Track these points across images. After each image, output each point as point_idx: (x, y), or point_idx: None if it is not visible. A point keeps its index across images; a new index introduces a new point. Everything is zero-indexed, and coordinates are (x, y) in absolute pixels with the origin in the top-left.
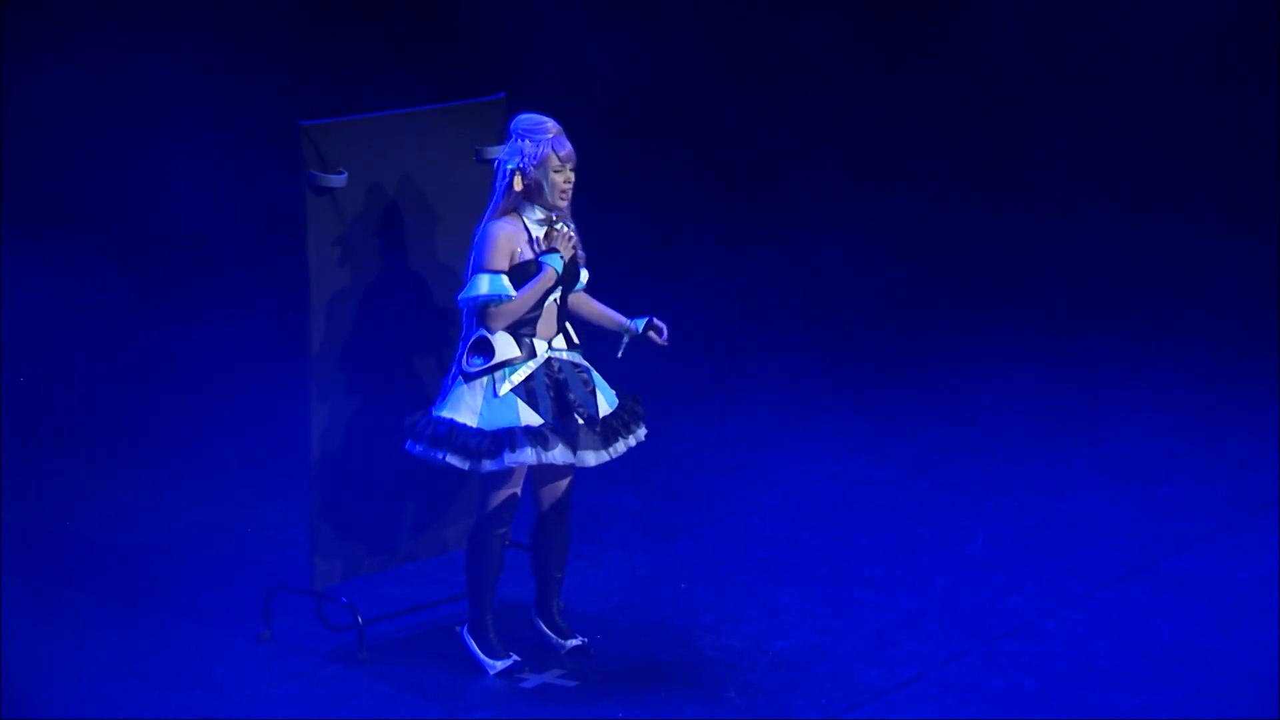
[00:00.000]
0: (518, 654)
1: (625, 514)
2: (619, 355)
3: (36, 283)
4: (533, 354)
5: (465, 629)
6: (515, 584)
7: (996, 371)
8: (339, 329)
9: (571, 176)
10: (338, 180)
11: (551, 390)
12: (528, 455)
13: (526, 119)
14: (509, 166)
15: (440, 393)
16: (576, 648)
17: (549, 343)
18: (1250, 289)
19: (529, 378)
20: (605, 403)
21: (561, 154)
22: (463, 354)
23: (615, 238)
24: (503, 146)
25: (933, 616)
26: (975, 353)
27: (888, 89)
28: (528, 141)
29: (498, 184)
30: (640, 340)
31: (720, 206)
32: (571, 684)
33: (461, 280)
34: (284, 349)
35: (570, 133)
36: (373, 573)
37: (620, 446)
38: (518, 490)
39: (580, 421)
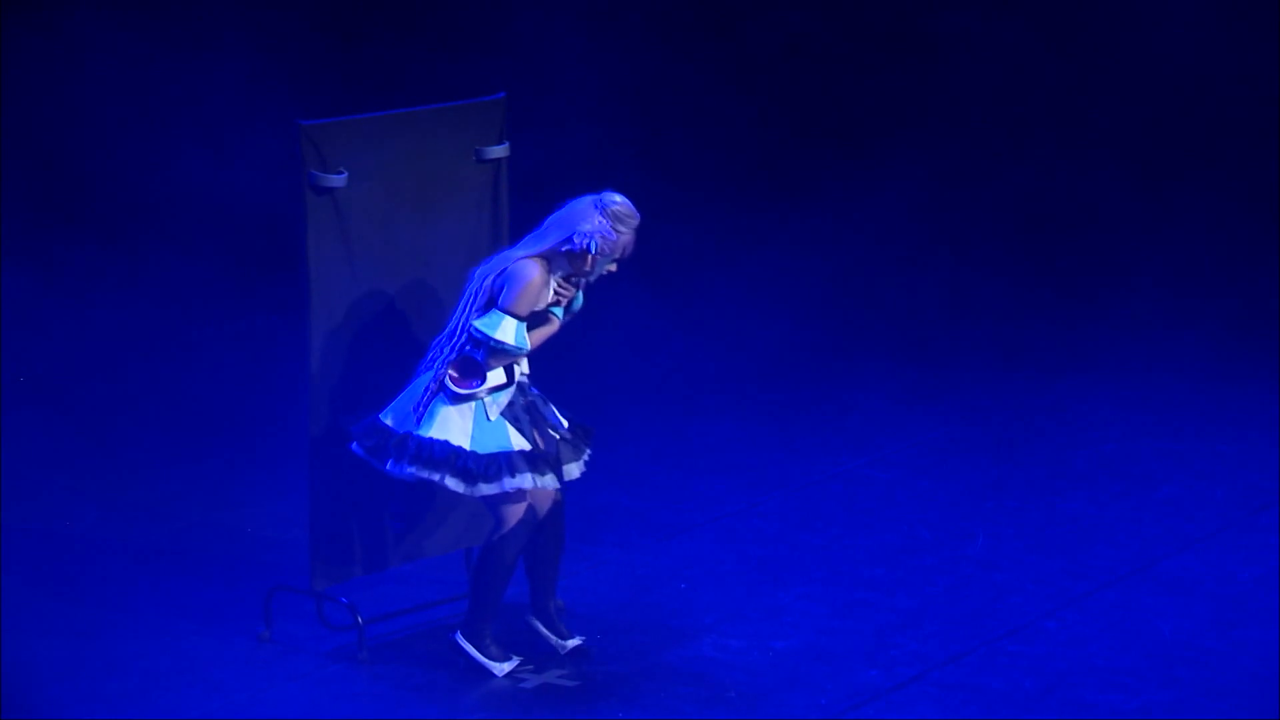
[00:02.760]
0: (517, 654)
1: (625, 514)
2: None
3: (37, 282)
4: (512, 379)
5: (459, 635)
6: (522, 584)
7: (996, 371)
8: (339, 329)
9: (616, 268)
10: (338, 180)
11: (527, 413)
12: (525, 480)
13: (622, 206)
14: (593, 247)
15: (401, 406)
16: (576, 648)
17: (520, 367)
18: (1250, 289)
19: (510, 402)
20: (562, 419)
21: (626, 253)
22: (444, 372)
23: None
24: (587, 213)
25: (933, 616)
26: (975, 353)
27: (887, 82)
28: (614, 230)
29: (554, 234)
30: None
31: (720, 205)
32: (571, 684)
33: (462, 284)
34: (284, 348)
35: (571, 131)
36: (373, 573)
37: (586, 455)
38: (531, 502)
39: (557, 438)
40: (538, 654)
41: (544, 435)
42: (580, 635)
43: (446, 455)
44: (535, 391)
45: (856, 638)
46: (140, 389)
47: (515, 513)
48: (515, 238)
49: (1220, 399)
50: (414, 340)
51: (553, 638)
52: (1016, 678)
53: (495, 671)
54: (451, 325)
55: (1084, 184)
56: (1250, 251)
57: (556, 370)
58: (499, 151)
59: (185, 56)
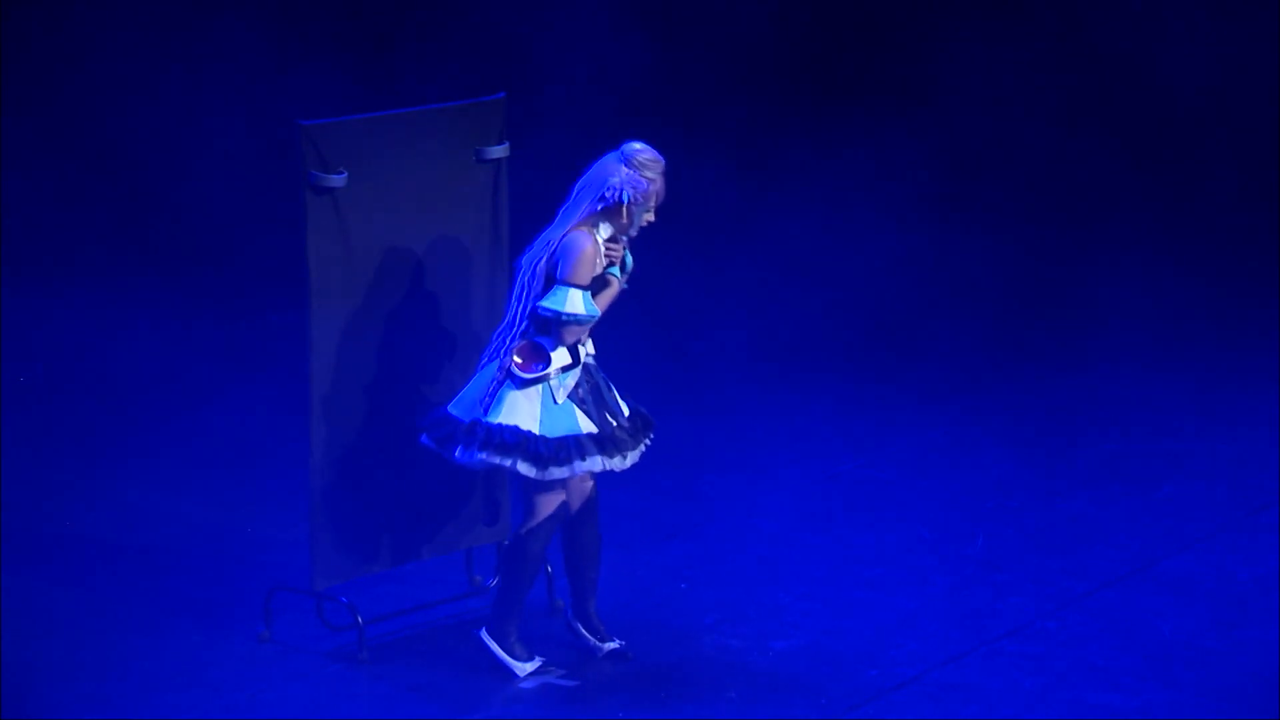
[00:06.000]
0: (539, 655)
1: (625, 514)
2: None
3: (38, 282)
4: (578, 360)
5: (484, 632)
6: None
7: (997, 371)
8: (339, 329)
9: (654, 216)
10: (338, 180)
11: (592, 395)
12: (596, 463)
13: (643, 152)
14: (625, 197)
15: (467, 396)
16: (614, 651)
17: (585, 348)
18: (1250, 289)
19: (576, 384)
20: (624, 404)
21: (660, 198)
22: (509, 356)
23: None
24: (612, 168)
25: (933, 616)
26: (975, 352)
27: (884, 75)
28: (643, 178)
29: (586, 197)
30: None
31: (719, 204)
32: (571, 684)
33: (461, 284)
34: (284, 348)
35: (571, 130)
36: (373, 573)
37: (643, 448)
38: (564, 497)
39: (614, 424)
40: (558, 654)
41: (605, 419)
42: (620, 639)
43: (518, 440)
44: (602, 375)
45: (856, 638)
46: (139, 388)
47: (550, 504)
48: (515, 238)
49: (1220, 399)
50: (415, 339)
51: (591, 639)
52: (1016, 678)
53: (518, 672)
54: (510, 315)
55: (1085, 184)
56: (1251, 251)
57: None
58: (499, 151)
59: (189, 54)
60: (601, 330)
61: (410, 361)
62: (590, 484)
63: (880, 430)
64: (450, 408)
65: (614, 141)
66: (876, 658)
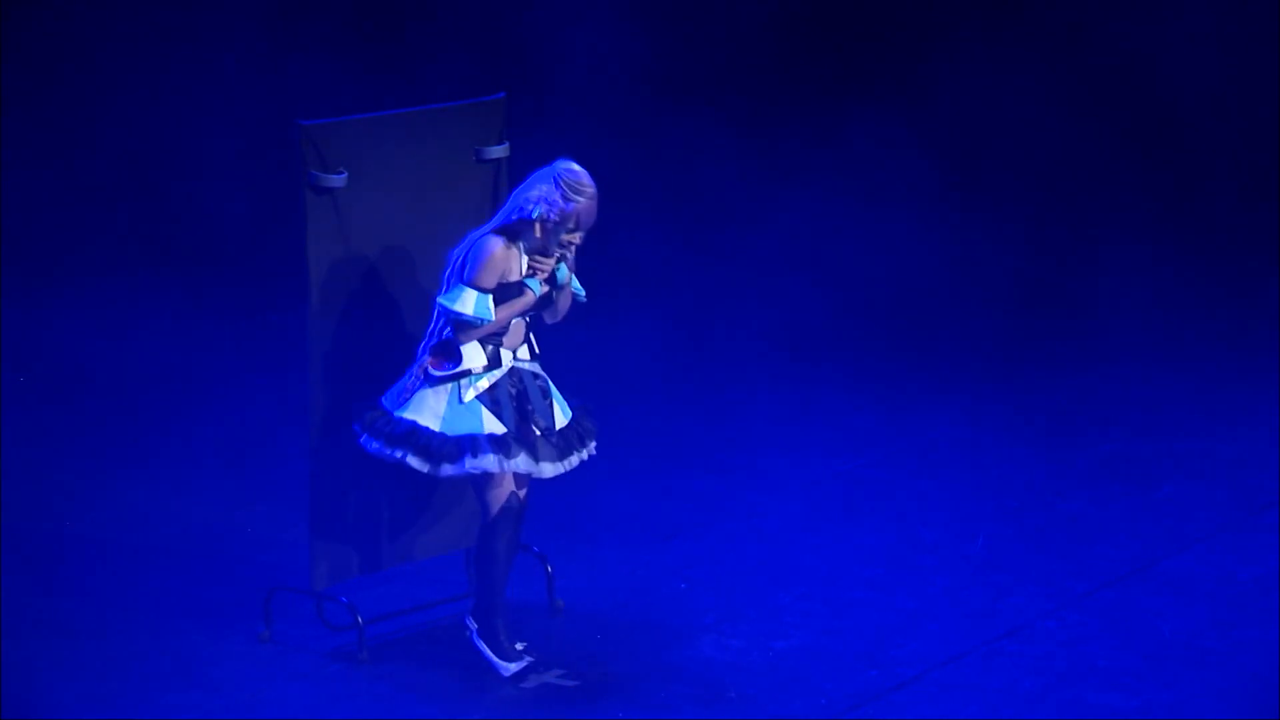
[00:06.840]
0: (529, 655)
1: (625, 514)
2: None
3: (38, 282)
4: (498, 363)
5: (475, 633)
6: (522, 585)
7: (996, 371)
8: (339, 329)
9: (579, 239)
10: (338, 180)
11: (514, 400)
12: (489, 462)
13: (571, 173)
14: (534, 214)
15: (395, 388)
16: (524, 670)
17: (514, 352)
18: (1250, 289)
19: (493, 386)
20: (561, 414)
21: (583, 223)
22: (425, 355)
23: (612, 237)
24: (539, 182)
25: (933, 616)
26: (975, 352)
27: (886, 99)
28: (561, 197)
29: (511, 207)
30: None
31: (721, 201)
32: (571, 684)
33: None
34: (284, 348)
35: (573, 130)
36: (373, 573)
37: (574, 460)
38: (515, 490)
39: (537, 432)
40: (560, 655)
41: (524, 423)
42: (529, 655)
43: (406, 433)
44: (539, 380)
45: (856, 638)
46: (139, 388)
47: (498, 499)
48: None
49: (1220, 399)
50: (414, 340)
51: (495, 659)
52: (1016, 678)
53: (502, 671)
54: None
55: (1087, 183)
56: (1251, 251)
57: (554, 369)
58: (499, 151)
59: (189, 53)
60: (603, 331)
61: (409, 361)
62: (521, 493)
63: (880, 430)
64: (384, 399)
65: (615, 141)
66: (876, 658)
